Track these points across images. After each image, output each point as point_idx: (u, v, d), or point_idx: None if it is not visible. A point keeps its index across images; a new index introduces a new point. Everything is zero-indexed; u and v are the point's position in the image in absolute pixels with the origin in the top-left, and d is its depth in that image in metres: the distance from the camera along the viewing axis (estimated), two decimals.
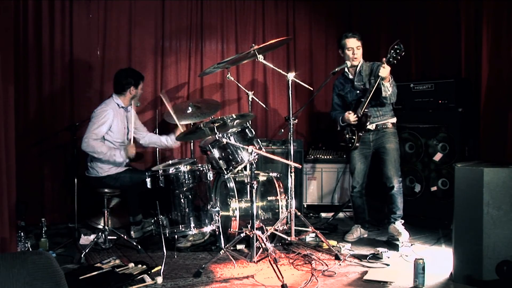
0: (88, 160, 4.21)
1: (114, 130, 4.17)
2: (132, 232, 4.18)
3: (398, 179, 4.18)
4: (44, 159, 4.86)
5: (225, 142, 3.61)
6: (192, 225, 3.78)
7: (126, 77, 4.26)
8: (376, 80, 3.95)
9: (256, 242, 3.42)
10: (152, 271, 3.39)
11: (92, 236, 4.17)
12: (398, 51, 3.84)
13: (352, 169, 4.34)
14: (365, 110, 4.08)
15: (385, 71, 3.87)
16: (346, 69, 4.27)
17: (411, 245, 4.01)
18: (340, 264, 3.60)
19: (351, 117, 4.12)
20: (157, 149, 4.92)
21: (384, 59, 3.88)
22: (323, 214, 5.32)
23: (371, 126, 4.17)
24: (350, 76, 4.27)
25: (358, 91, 4.22)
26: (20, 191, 4.23)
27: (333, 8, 6.16)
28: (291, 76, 4.03)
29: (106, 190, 4.10)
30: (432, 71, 5.12)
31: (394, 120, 4.27)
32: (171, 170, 3.74)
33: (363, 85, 4.18)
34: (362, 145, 4.25)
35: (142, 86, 4.38)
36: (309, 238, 4.26)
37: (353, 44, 4.16)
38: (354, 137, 4.20)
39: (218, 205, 3.99)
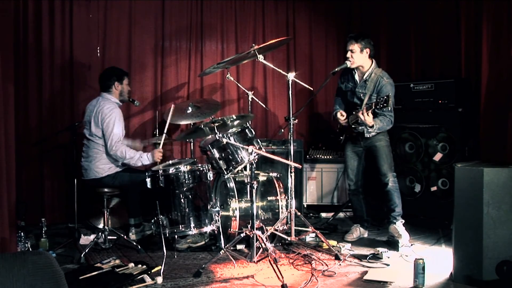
0: (84, 163, 4.17)
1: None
2: (131, 234, 4.17)
3: (392, 174, 4.17)
4: (44, 159, 4.85)
5: (225, 142, 3.61)
6: (192, 225, 3.78)
7: (108, 74, 4.31)
8: (357, 116, 3.97)
9: (256, 242, 3.42)
10: (152, 271, 3.39)
11: (92, 236, 4.17)
12: (385, 103, 3.74)
13: (346, 167, 4.39)
14: (353, 126, 4.13)
15: (361, 117, 3.88)
16: (355, 68, 4.21)
17: (411, 245, 4.01)
18: (340, 264, 3.60)
19: (342, 119, 4.21)
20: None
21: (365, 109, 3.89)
22: (323, 214, 5.32)
23: (361, 129, 4.17)
24: (356, 78, 4.23)
25: (356, 98, 4.21)
26: (20, 191, 4.25)
27: (333, 8, 6.16)
28: (291, 76, 4.03)
29: (105, 190, 4.10)
30: (432, 71, 5.12)
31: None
32: (171, 170, 3.74)
33: (363, 94, 4.15)
34: (353, 143, 4.28)
35: (127, 82, 4.38)
36: (309, 238, 4.26)
37: (348, 47, 4.13)
38: (341, 137, 4.31)
39: (218, 205, 3.99)
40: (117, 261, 3.55)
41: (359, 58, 4.14)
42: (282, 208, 4.10)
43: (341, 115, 4.21)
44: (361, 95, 4.16)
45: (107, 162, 4.14)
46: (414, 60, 5.34)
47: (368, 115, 3.88)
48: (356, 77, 4.24)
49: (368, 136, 4.10)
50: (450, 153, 4.57)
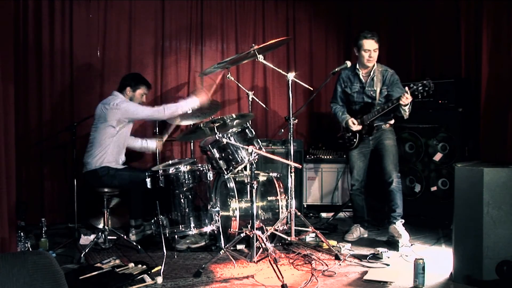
0: (84, 158, 4.19)
1: (124, 124, 4.22)
2: (131, 235, 4.16)
3: (396, 174, 4.18)
4: (44, 159, 4.85)
5: (225, 142, 3.61)
6: (192, 225, 3.78)
7: (127, 78, 4.39)
8: (393, 103, 3.92)
9: (256, 242, 3.42)
10: (152, 271, 3.39)
11: (92, 236, 4.17)
12: (427, 88, 3.75)
13: (352, 168, 4.36)
14: (374, 121, 4.12)
15: (406, 101, 3.84)
16: (357, 67, 4.21)
17: (411, 245, 4.01)
18: (340, 264, 3.60)
19: (355, 127, 4.18)
20: (157, 149, 4.92)
21: (408, 88, 3.82)
22: (323, 214, 5.32)
23: (379, 124, 4.19)
24: (362, 77, 4.22)
25: (366, 96, 4.21)
26: (20, 191, 4.25)
27: (333, 8, 6.16)
28: (291, 76, 4.03)
29: (105, 189, 4.10)
30: (432, 71, 5.12)
31: (392, 121, 4.30)
32: (171, 170, 3.74)
33: (373, 91, 4.16)
34: (362, 143, 4.26)
35: (142, 92, 4.37)
36: (309, 238, 4.26)
37: (371, 47, 4.08)
38: (355, 140, 4.26)
39: (218, 205, 3.99)
40: (117, 261, 3.54)
41: (377, 56, 4.15)
42: (282, 208, 4.10)
43: (353, 123, 4.19)
44: (371, 92, 4.17)
45: (99, 152, 4.12)
46: (414, 60, 5.35)
47: (408, 97, 3.82)
48: (361, 77, 4.23)
49: (405, 117, 4.01)
50: (450, 153, 4.57)
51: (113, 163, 4.16)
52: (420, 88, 3.77)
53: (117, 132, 4.16)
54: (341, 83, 4.35)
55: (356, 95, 4.27)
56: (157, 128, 4.99)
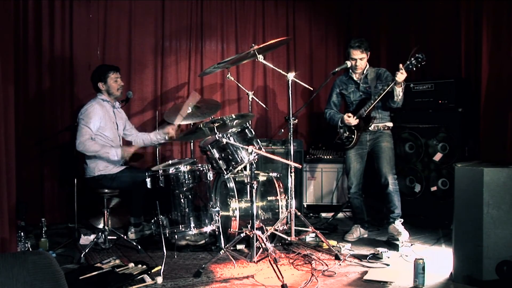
0: (85, 161, 4.19)
1: (103, 125, 4.16)
2: (129, 233, 4.17)
3: (393, 176, 4.20)
4: (44, 159, 4.85)
5: (225, 142, 3.61)
6: (192, 225, 3.78)
7: (92, 76, 4.32)
8: (389, 85, 3.97)
9: (256, 242, 3.42)
10: (152, 271, 3.39)
11: (92, 236, 4.17)
12: (419, 59, 3.87)
13: (348, 169, 4.37)
14: (370, 112, 4.13)
15: (402, 77, 3.90)
16: (350, 70, 4.31)
17: (411, 245, 4.01)
18: (340, 264, 3.60)
19: (352, 120, 4.18)
20: (157, 149, 4.92)
21: (401, 65, 3.89)
22: (323, 214, 5.32)
23: (371, 127, 4.20)
24: (355, 78, 4.31)
25: (361, 93, 4.27)
26: (20, 191, 4.24)
27: (333, 8, 6.16)
28: (291, 76, 4.03)
29: (105, 190, 4.10)
30: (432, 71, 5.12)
31: (391, 124, 4.34)
32: (171, 170, 3.74)
33: (368, 87, 4.24)
34: (359, 144, 4.28)
35: (114, 78, 4.27)
36: (309, 238, 4.27)
37: (356, 56, 4.19)
38: (353, 136, 4.24)
39: (218, 205, 3.99)
40: (117, 261, 3.54)
41: (364, 63, 4.26)
42: (282, 208, 4.10)
43: (348, 116, 4.20)
44: (367, 88, 4.25)
45: (96, 160, 4.11)
46: None
47: (403, 73, 3.91)
48: (354, 77, 4.32)
49: (396, 99, 4.03)
50: (450, 153, 4.57)
51: (109, 167, 4.13)
52: (414, 61, 3.89)
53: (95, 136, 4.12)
54: (336, 87, 4.43)
55: (353, 95, 4.34)
56: (157, 130, 4.98)
